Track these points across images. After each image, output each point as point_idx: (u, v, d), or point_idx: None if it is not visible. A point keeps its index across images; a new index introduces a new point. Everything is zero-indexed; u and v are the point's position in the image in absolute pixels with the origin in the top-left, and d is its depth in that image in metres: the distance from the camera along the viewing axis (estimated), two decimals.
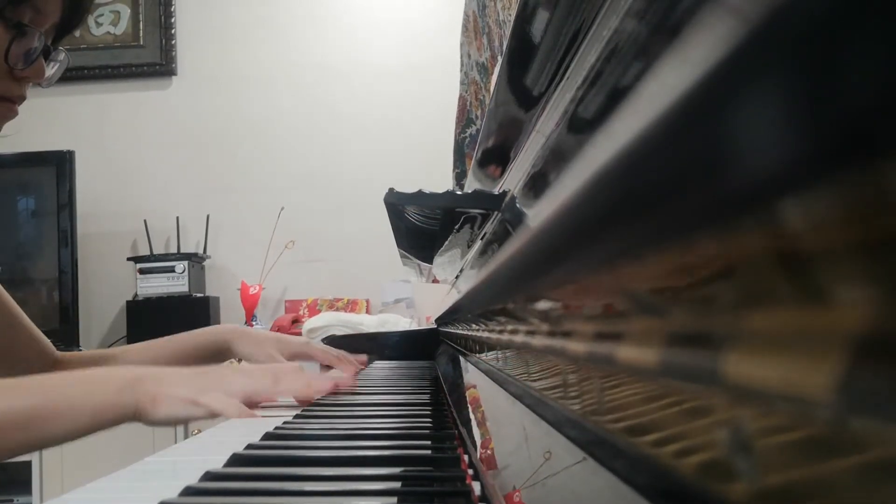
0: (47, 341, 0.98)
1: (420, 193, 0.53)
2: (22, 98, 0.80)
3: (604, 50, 0.21)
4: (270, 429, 0.61)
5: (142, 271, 2.34)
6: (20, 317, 0.94)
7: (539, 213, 0.30)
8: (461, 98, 1.59)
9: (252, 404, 0.76)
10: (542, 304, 0.31)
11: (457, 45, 1.63)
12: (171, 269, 2.34)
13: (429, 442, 0.55)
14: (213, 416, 0.76)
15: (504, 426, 0.43)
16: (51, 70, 0.82)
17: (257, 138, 2.63)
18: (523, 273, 0.34)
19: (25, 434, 0.66)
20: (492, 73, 1.29)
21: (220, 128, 2.64)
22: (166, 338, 1.02)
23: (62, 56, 0.83)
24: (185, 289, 2.34)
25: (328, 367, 1.06)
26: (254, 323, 2.43)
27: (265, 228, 2.54)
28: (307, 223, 2.58)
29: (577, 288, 0.25)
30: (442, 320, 1.23)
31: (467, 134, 1.53)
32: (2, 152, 2.21)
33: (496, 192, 0.46)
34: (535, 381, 0.34)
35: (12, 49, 0.75)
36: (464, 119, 1.56)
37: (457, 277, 0.88)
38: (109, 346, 2.34)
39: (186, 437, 1.99)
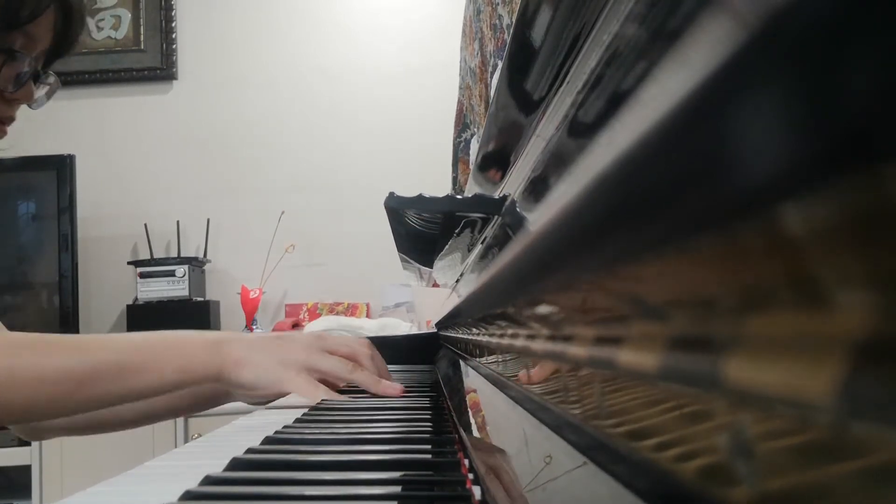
0: None
1: (420, 197, 0.53)
2: (11, 119, 0.81)
3: (604, 54, 0.21)
4: (270, 433, 0.60)
5: (142, 275, 2.35)
6: None
7: (539, 218, 0.30)
8: (459, 102, 1.59)
9: (328, 385, 0.80)
10: (543, 308, 0.31)
11: (457, 48, 1.63)
12: (172, 273, 2.35)
13: (429, 446, 0.55)
14: (286, 393, 0.78)
15: (504, 430, 0.43)
16: (40, 92, 0.84)
17: (257, 142, 2.63)
18: (523, 277, 0.34)
19: (115, 385, 0.69)
20: (479, 80, 1.29)
21: (221, 132, 2.64)
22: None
23: (52, 79, 0.85)
24: (185, 293, 2.34)
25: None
26: (254, 327, 2.43)
27: (265, 232, 2.54)
28: (307, 227, 2.58)
29: (578, 292, 0.25)
30: (442, 324, 1.23)
31: (462, 139, 1.53)
32: (2, 157, 2.21)
33: (496, 197, 0.46)
34: (535, 385, 0.34)
35: (2, 73, 0.76)
36: (461, 124, 1.56)
37: (457, 282, 0.88)
38: None
39: (186, 440, 1.99)
